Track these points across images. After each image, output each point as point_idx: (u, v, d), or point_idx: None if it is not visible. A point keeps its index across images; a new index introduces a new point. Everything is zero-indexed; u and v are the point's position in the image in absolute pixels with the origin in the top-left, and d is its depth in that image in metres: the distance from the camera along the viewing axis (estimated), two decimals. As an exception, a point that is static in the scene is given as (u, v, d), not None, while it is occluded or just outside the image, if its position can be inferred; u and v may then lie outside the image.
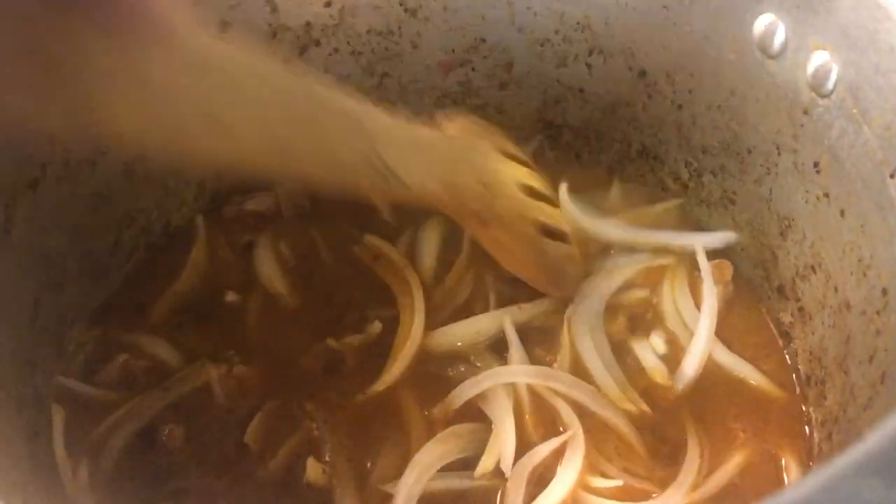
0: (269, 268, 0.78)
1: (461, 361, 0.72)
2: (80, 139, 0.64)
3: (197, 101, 0.47)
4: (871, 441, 0.31)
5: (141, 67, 0.43)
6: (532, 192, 0.73)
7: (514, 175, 0.72)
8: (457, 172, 0.66)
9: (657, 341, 0.74)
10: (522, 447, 0.67)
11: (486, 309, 0.75)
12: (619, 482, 0.65)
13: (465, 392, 0.69)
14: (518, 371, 0.70)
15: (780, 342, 0.75)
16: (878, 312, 0.60)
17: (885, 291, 0.59)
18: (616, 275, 0.77)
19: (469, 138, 0.72)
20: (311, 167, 0.56)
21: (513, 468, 0.65)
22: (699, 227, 0.81)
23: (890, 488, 0.30)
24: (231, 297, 0.76)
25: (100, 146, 0.69)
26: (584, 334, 0.73)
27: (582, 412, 0.69)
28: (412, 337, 0.72)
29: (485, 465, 0.65)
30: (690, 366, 0.71)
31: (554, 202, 0.76)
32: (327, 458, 0.67)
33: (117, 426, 0.68)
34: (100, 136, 0.46)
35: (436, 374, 0.72)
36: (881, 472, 0.29)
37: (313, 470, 0.65)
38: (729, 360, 0.72)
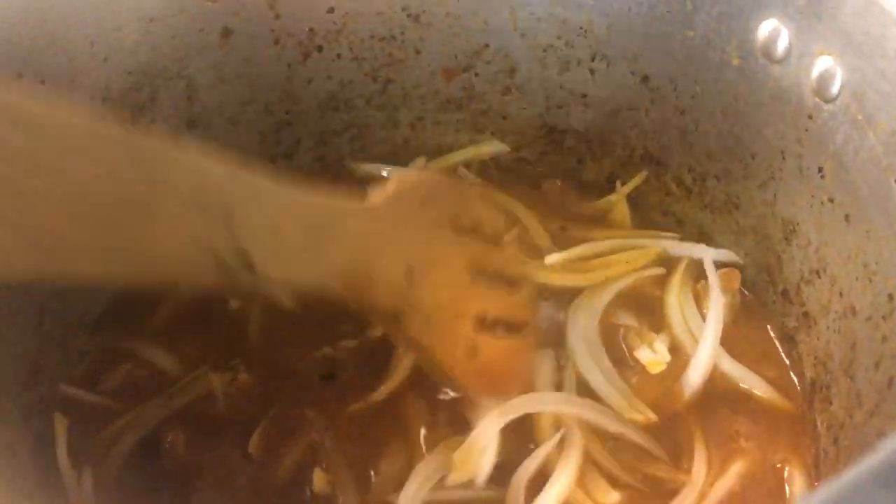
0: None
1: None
2: None
3: None
4: (882, 453, 0.31)
5: None
6: (490, 275, 0.60)
7: (467, 257, 0.58)
8: (369, 259, 0.51)
9: (660, 346, 0.73)
10: (521, 455, 0.66)
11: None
12: (622, 495, 0.65)
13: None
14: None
15: (785, 347, 0.75)
16: (883, 318, 0.60)
17: (891, 297, 0.59)
18: (606, 290, 0.76)
19: (406, 208, 0.55)
20: (115, 265, 0.43)
21: (513, 476, 0.64)
22: (702, 231, 0.81)
23: (901, 500, 0.30)
24: (234, 304, 0.76)
25: None
26: (582, 351, 0.72)
27: (593, 429, 0.68)
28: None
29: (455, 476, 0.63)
30: (697, 374, 0.71)
31: (520, 285, 0.64)
32: (326, 467, 0.66)
33: (121, 434, 0.68)
34: None
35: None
36: (892, 485, 0.29)
37: (319, 480, 0.65)
38: (735, 370, 0.72)
